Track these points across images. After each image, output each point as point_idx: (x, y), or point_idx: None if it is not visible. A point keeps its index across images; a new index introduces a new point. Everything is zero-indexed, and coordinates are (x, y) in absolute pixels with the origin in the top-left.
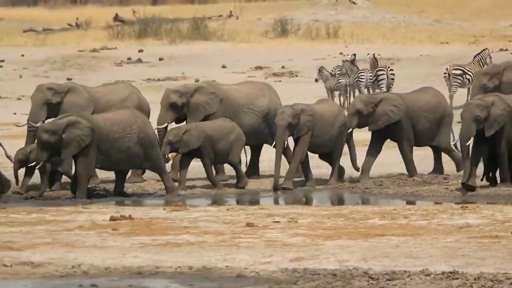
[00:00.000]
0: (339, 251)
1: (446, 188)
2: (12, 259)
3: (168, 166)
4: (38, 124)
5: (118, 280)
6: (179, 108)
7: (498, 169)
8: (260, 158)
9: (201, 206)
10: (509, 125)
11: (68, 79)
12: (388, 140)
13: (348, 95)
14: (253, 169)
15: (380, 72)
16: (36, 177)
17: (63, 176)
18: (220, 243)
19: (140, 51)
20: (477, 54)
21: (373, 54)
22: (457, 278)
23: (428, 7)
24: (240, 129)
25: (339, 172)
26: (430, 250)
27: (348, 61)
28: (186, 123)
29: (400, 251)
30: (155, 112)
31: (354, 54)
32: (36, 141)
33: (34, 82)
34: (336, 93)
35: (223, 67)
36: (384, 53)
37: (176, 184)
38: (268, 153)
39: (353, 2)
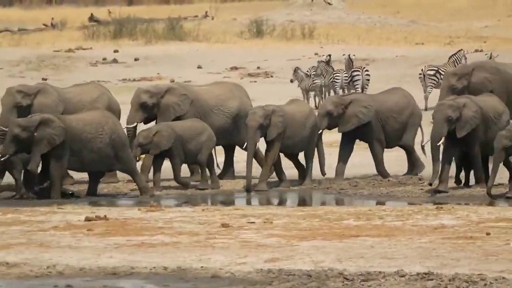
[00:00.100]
0: (314, 252)
1: (421, 189)
2: None
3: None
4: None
5: (93, 281)
6: (149, 109)
7: (472, 170)
8: (236, 159)
9: (176, 207)
10: (481, 127)
11: (43, 79)
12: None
13: (323, 95)
14: (228, 170)
15: (355, 73)
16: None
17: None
18: (195, 244)
19: (116, 51)
20: (452, 55)
21: (348, 55)
22: (432, 279)
23: (404, 8)
24: (211, 130)
25: (302, 173)
26: (405, 251)
27: (323, 61)
28: (156, 123)
29: (375, 252)
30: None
31: (329, 55)
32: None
33: (9, 82)
34: (312, 93)
35: (199, 67)
36: (359, 54)
37: (151, 184)
38: (242, 154)
39: (328, 3)
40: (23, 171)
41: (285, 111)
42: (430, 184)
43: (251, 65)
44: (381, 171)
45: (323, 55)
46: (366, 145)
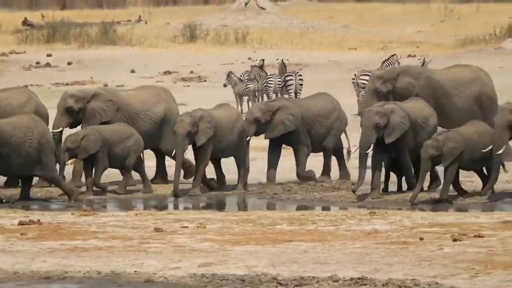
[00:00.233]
0: (247, 257)
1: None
2: None
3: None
4: None
5: (26, 285)
6: (75, 113)
7: (404, 176)
8: (168, 163)
9: (109, 211)
10: (410, 133)
11: None
12: None
13: (256, 100)
14: (161, 174)
15: (288, 78)
16: None
17: None
18: (128, 248)
19: (49, 55)
20: (385, 60)
21: (282, 60)
22: (365, 284)
23: (337, 13)
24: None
25: (220, 180)
26: (338, 256)
27: (256, 66)
28: (82, 128)
29: (308, 257)
30: None
31: (263, 60)
32: None
33: None
34: (245, 98)
35: (132, 71)
36: (292, 59)
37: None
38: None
39: (262, 8)
40: None
41: (213, 115)
42: (354, 191)
43: (185, 69)
44: (301, 174)
45: (256, 60)
46: None
